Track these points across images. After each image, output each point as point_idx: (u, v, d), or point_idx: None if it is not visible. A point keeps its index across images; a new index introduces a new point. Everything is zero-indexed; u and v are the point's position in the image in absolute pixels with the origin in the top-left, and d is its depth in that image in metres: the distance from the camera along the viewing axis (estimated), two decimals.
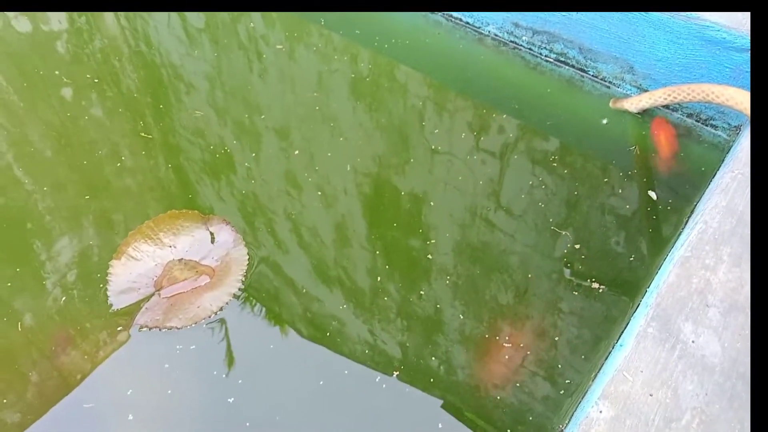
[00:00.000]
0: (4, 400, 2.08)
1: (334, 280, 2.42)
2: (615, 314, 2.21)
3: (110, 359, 2.16)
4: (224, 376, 2.12)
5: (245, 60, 3.30)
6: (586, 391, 1.91)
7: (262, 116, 2.99)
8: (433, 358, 2.17)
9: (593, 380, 1.99)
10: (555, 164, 2.69)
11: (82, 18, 3.55)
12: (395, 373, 2.13)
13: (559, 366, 2.10)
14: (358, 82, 3.13)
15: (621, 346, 1.72)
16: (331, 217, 2.62)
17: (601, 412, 1.58)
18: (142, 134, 2.94)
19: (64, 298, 2.32)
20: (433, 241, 2.47)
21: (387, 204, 2.66)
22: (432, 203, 2.60)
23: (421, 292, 2.33)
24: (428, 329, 2.25)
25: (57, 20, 3.53)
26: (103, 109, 3.03)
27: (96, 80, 3.16)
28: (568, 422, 1.92)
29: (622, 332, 2.06)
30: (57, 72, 3.20)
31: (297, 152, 2.80)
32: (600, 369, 2.00)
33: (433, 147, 2.83)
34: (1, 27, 3.47)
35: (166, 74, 3.27)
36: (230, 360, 2.16)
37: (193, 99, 3.12)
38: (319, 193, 2.67)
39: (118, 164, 2.77)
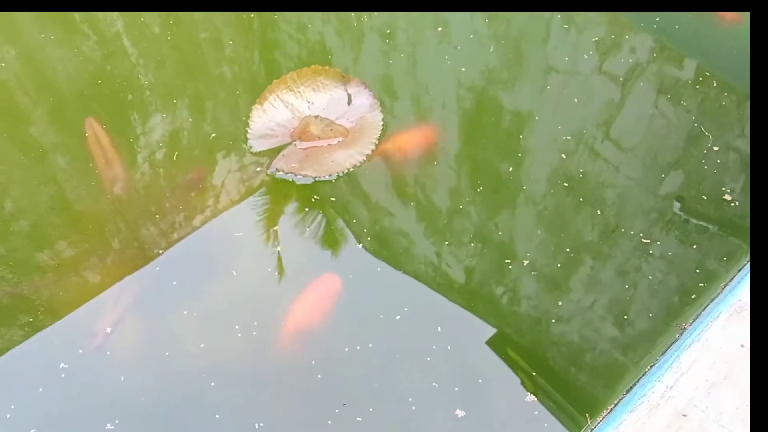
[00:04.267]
0: (159, 217, 2.24)
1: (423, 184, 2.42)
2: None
3: (255, 196, 2.29)
4: (357, 224, 2.22)
5: None
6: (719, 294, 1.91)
7: (369, 15, 2.85)
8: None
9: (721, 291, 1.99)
10: (688, 92, 2.54)
11: None
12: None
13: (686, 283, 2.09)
14: None
15: None
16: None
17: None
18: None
19: (213, 135, 2.43)
20: (527, 167, 2.38)
21: (486, 121, 2.55)
22: (536, 125, 2.48)
23: (501, 219, 2.29)
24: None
25: None
26: None
27: None
28: (693, 321, 1.94)
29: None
30: None
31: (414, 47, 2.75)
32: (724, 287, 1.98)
33: (550, 64, 2.68)
34: None
35: None
36: (362, 212, 2.25)
37: None
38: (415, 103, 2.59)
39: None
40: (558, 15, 2.83)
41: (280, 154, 2.40)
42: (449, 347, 1.97)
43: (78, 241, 2.19)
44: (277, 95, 2.50)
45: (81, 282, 2.12)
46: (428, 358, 1.93)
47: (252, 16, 2.82)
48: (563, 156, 2.39)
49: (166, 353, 2.00)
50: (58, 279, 2.11)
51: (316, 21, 2.82)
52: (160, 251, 2.16)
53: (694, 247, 2.16)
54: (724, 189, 2.27)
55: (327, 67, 2.57)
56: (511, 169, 2.38)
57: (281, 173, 2.34)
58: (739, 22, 2.72)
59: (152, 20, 2.76)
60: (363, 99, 2.52)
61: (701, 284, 2.08)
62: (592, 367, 2.00)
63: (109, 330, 2.02)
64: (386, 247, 2.17)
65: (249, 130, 2.44)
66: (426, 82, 2.66)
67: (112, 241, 2.19)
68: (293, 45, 2.77)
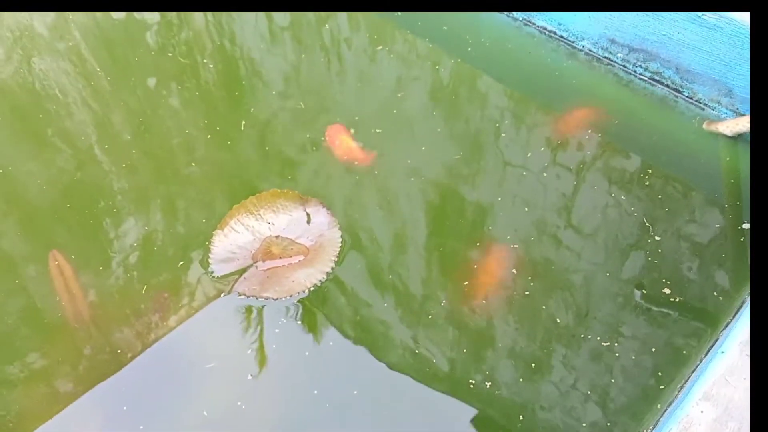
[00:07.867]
0: (121, 351, 2.24)
1: (388, 285, 2.48)
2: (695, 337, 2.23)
3: (221, 323, 2.31)
4: (322, 344, 2.25)
5: (325, 61, 3.36)
6: (677, 395, 1.94)
7: (337, 116, 3.02)
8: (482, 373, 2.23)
9: (679, 392, 2.02)
10: (634, 184, 2.68)
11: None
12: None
13: (660, 374, 2.12)
14: (437, 90, 3.15)
15: (723, 353, 1.75)
16: (393, 223, 2.66)
17: (702, 412, 1.61)
18: (243, 123, 3.04)
19: (181, 263, 2.48)
20: (492, 255, 2.48)
21: (450, 213, 2.68)
22: (497, 216, 2.61)
23: (474, 307, 2.36)
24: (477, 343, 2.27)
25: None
26: (200, 93, 3.18)
27: (179, 73, 3.26)
28: (654, 427, 1.95)
29: (712, 345, 2.09)
30: (144, 61, 3.32)
31: (378, 131, 2.89)
32: (683, 385, 2.02)
33: (506, 159, 2.84)
34: (99, 13, 3.56)
35: (244, 69, 3.36)
36: (330, 329, 2.30)
37: (270, 96, 3.19)
38: (384, 198, 2.71)
39: (217, 141, 2.94)
40: (509, 115, 3.02)
41: (242, 277, 2.44)
42: None
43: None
44: (238, 219, 2.58)
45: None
46: None
47: (217, 128, 2.93)
48: (526, 244, 2.50)
49: None
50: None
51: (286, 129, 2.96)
52: (124, 387, 2.15)
53: (653, 350, 2.20)
54: (664, 281, 2.36)
55: (286, 190, 2.67)
56: (477, 257, 2.47)
57: (243, 296, 2.38)
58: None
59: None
60: (321, 217, 2.61)
61: (661, 387, 2.11)
62: None
63: None
64: (358, 369, 2.21)
65: (210, 255, 2.49)
66: (390, 179, 2.76)
67: (58, 384, 2.18)
68: (259, 160, 2.88)
